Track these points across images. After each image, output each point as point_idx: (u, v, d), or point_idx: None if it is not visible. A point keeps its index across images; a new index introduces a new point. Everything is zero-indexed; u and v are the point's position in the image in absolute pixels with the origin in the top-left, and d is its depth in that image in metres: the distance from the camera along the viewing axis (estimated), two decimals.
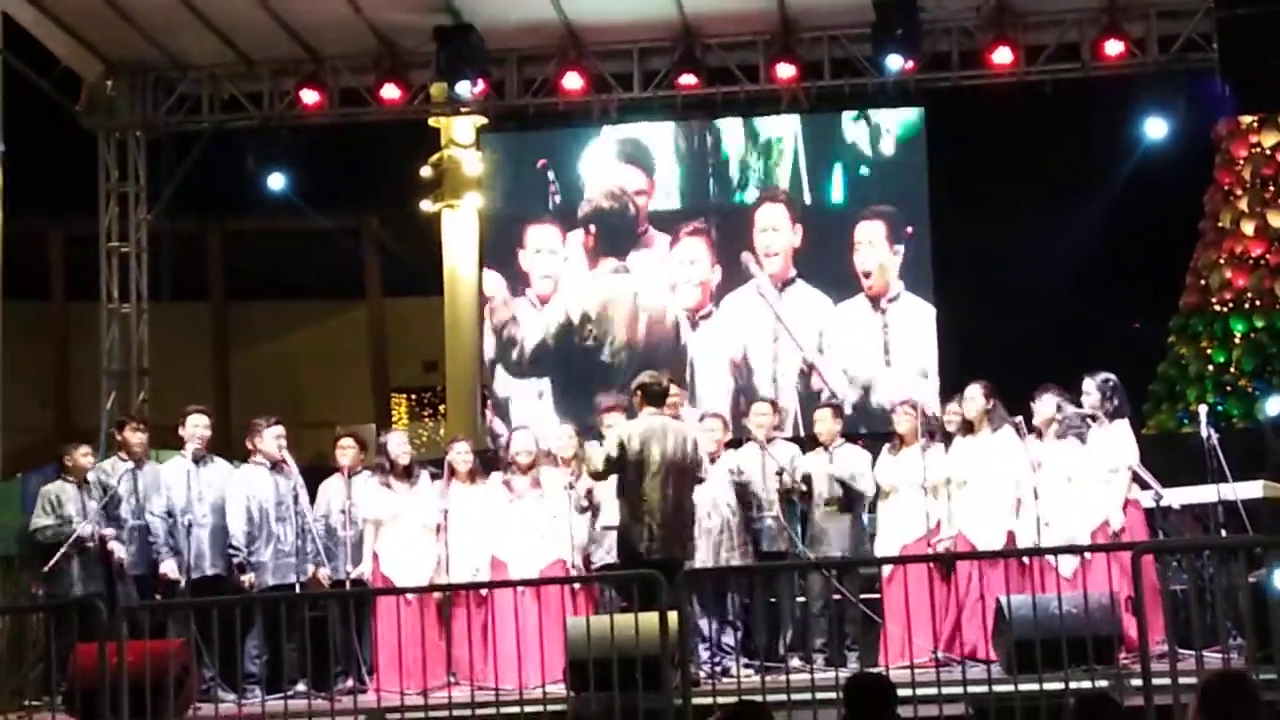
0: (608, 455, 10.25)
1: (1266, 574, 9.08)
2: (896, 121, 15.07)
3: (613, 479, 10.42)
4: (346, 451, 11.53)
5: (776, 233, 15.08)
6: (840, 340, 14.82)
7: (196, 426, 11.43)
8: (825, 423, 11.67)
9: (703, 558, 10.96)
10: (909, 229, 14.87)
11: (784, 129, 15.24)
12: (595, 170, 15.43)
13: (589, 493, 11.05)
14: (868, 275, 14.89)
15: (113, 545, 11.21)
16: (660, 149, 15.39)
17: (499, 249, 15.69)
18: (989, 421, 10.96)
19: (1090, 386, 10.76)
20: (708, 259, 15.15)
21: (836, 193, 15.14)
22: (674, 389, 11.59)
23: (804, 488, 11.30)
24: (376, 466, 11.39)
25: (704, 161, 15.31)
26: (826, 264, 14.98)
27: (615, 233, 15.34)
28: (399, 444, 11.47)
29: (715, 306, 15.12)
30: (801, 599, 11.27)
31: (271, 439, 11.36)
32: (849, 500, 11.32)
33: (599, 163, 15.44)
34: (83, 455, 11.53)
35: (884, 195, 15.02)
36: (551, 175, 15.38)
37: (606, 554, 11.02)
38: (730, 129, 15.30)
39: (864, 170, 15.12)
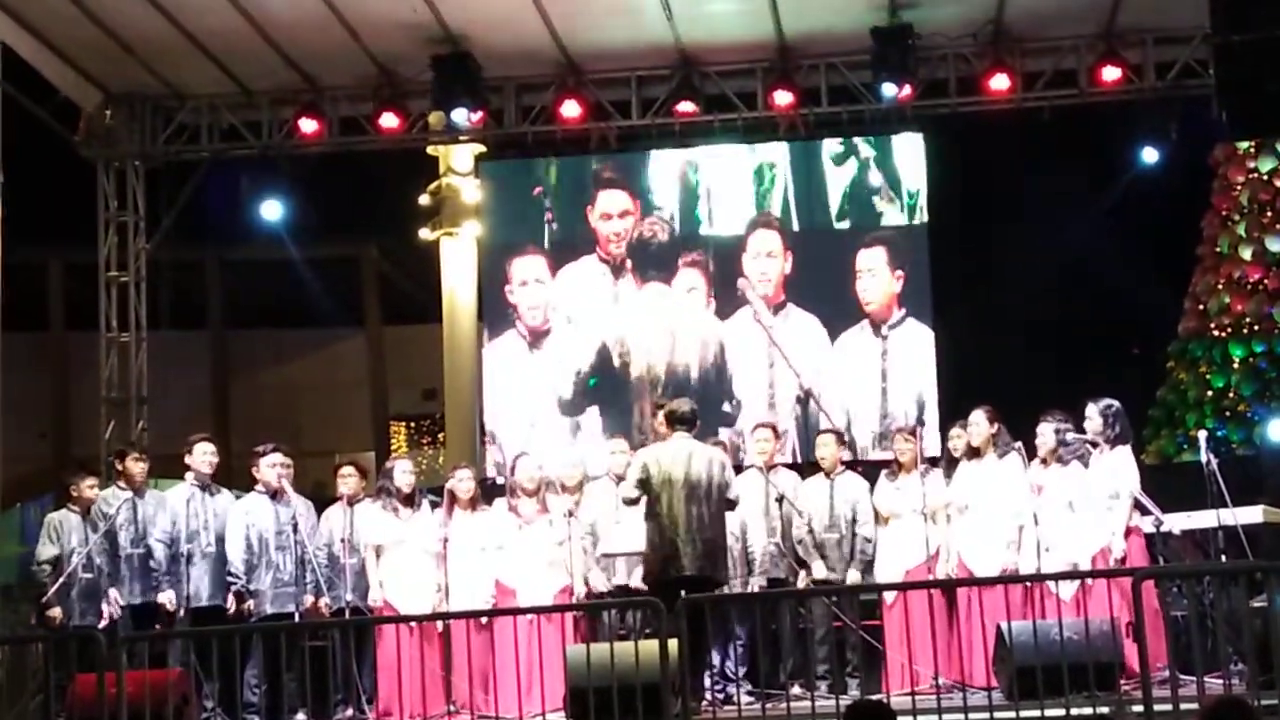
0: (636, 479, 10.34)
1: (1268, 599, 9.07)
2: (895, 147, 15.05)
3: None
4: (348, 480, 11.53)
5: (771, 258, 15.07)
6: (839, 367, 14.81)
7: (205, 454, 11.43)
8: (828, 448, 11.67)
9: None
10: (909, 254, 14.87)
11: (775, 154, 15.23)
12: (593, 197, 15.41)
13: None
14: (869, 303, 14.87)
15: (111, 598, 11.21)
16: (655, 176, 15.38)
17: (494, 279, 15.64)
18: (994, 447, 10.97)
19: (1093, 412, 10.76)
20: (704, 288, 15.13)
21: (830, 218, 15.14)
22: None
23: (803, 515, 11.29)
24: (380, 491, 11.37)
25: (694, 190, 15.28)
26: (820, 289, 14.98)
27: (651, 257, 15.25)
28: (403, 471, 11.46)
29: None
30: (803, 626, 11.25)
31: (267, 467, 11.36)
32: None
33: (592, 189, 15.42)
34: (89, 487, 11.51)
35: (882, 221, 15.02)
36: (548, 204, 15.36)
37: (607, 582, 11.02)
38: (721, 155, 15.28)
39: (860, 195, 15.10)
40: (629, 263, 15.21)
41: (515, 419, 15.08)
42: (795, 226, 15.15)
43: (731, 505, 10.58)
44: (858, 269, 14.93)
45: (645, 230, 15.26)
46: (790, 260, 15.08)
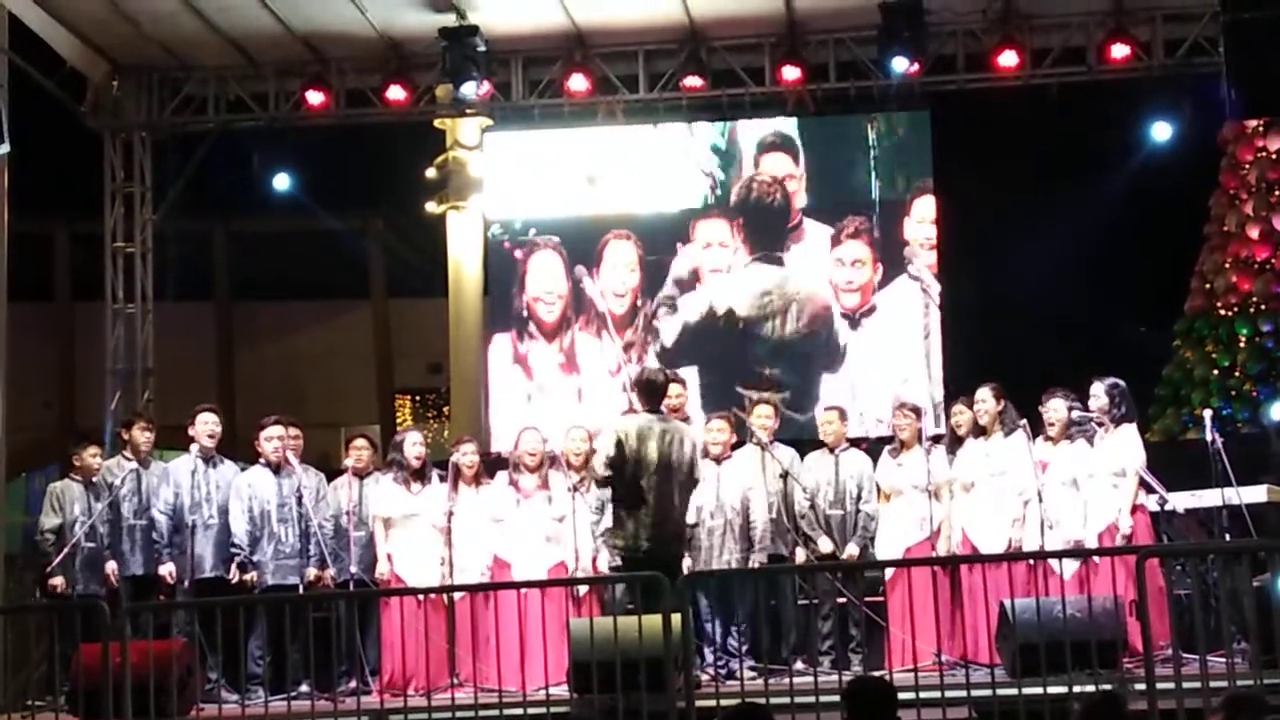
0: (607, 455, 10.26)
1: (1271, 579, 9.08)
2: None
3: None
4: (360, 453, 11.56)
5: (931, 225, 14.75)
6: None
7: (206, 424, 11.44)
8: (832, 424, 11.67)
9: (705, 559, 10.98)
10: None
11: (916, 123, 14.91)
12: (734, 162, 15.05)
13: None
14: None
15: (108, 569, 11.24)
16: (806, 141, 15.00)
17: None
18: (1000, 424, 10.97)
19: (1098, 390, 10.77)
20: (870, 258, 14.76)
21: None
22: (677, 389, 11.63)
23: (805, 490, 11.30)
24: (391, 464, 11.38)
25: (859, 156, 14.87)
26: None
27: (766, 223, 14.89)
28: (414, 443, 11.46)
29: (875, 302, 14.72)
30: (805, 602, 11.26)
31: (265, 440, 11.37)
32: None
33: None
34: (91, 455, 11.54)
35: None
36: (585, 284, 14.95)
37: (610, 558, 11.03)
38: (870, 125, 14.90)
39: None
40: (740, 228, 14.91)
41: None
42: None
43: (696, 484, 10.53)
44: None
45: (757, 191, 14.95)
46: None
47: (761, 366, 14.61)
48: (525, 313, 15.06)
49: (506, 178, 15.37)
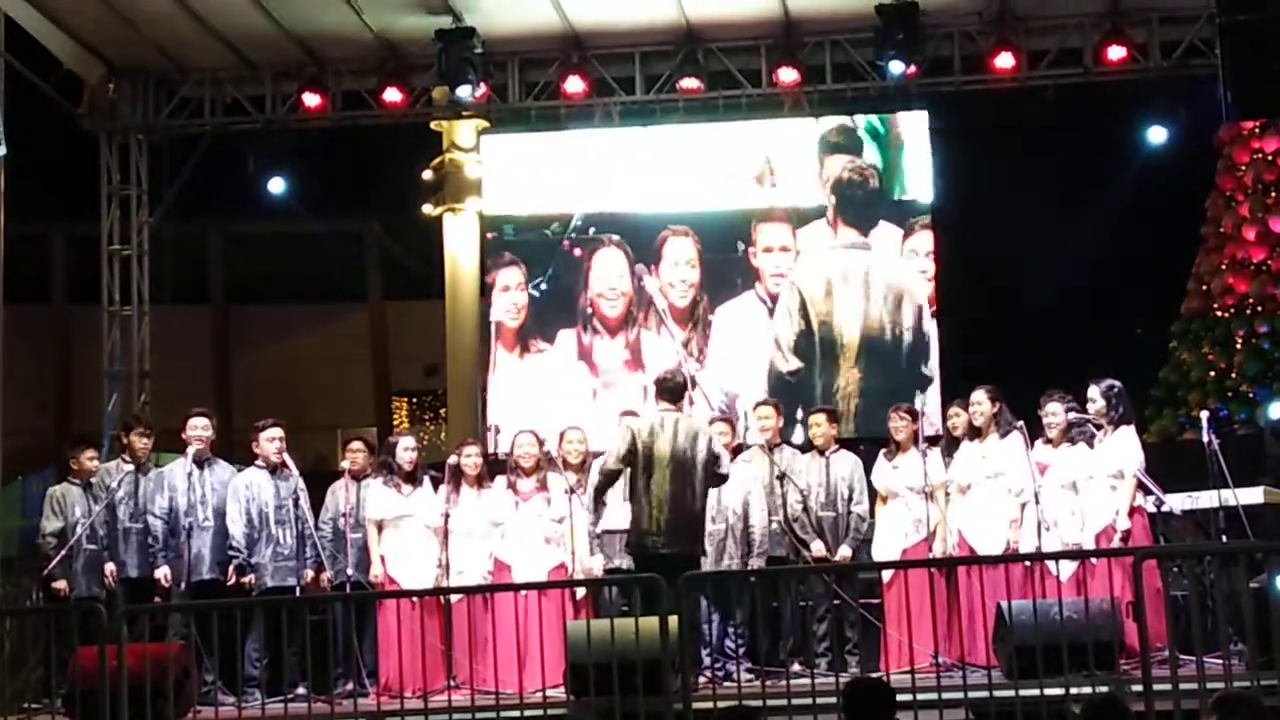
0: (619, 451, 10.25)
1: (1269, 580, 9.08)
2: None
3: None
4: (356, 455, 11.57)
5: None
6: None
7: (196, 428, 11.42)
8: (820, 426, 11.67)
9: (707, 563, 10.97)
10: None
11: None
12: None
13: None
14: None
15: (106, 571, 11.24)
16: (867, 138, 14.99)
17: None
18: (996, 426, 10.98)
19: (1095, 393, 10.76)
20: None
21: None
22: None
23: (799, 493, 11.31)
24: (383, 467, 11.39)
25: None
26: None
27: (855, 208, 14.82)
28: (406, 448, 11.47)
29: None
30: (803, 604, 11.26)
31: (266, 441, 11.37)
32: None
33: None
34: (88, 458, 11.54)
35: None
36: (645, 281, 14.86)
37: (607, 560, 11.02)
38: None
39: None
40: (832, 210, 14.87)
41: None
42: None
43: (722, 479, 10.49)
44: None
45: (847, 174, 14.86)
46: None
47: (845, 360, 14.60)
48: (590, 309, 15.05)
49: (565, 174, 15.24)
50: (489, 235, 15.42)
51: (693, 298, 14.92)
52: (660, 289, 14.91)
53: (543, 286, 15.07)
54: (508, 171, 15.36)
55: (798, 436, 12.70)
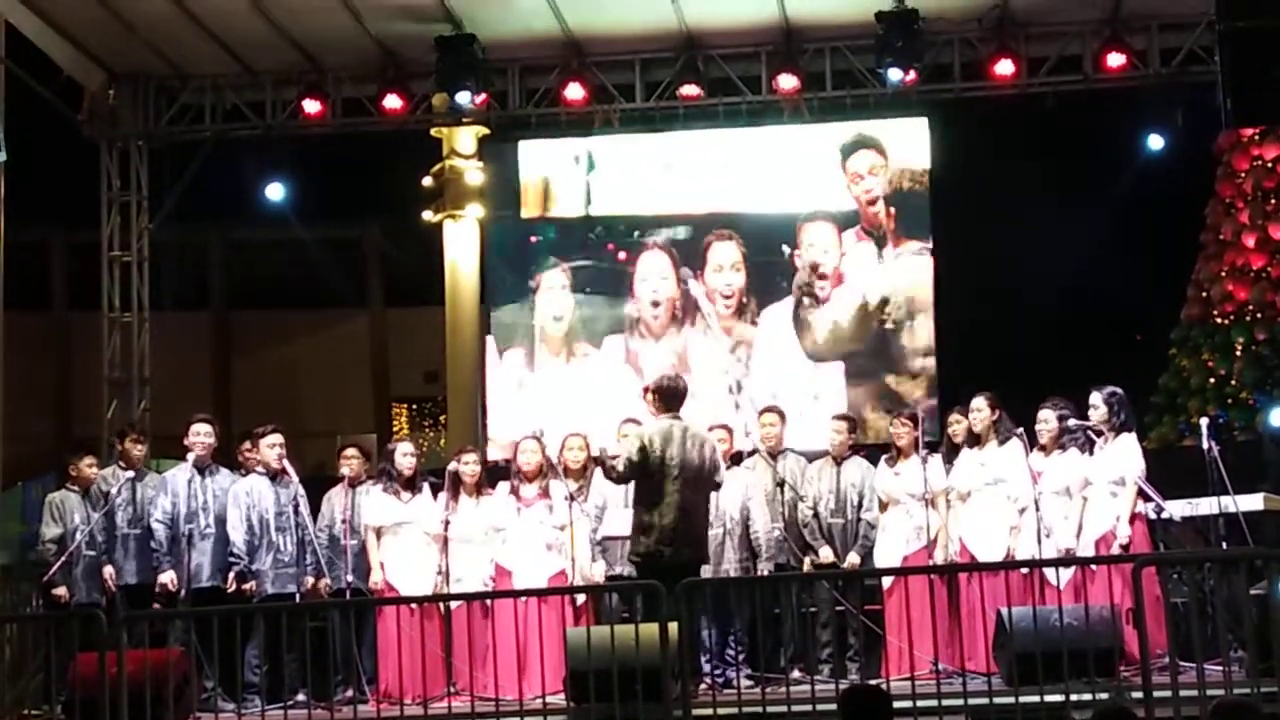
0: (629, 458, 10.25)
1: (1270, 586, 9.08)
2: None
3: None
4: (351, 462, 11.57)
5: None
6: None
7: (199, 435, 11.42)
8: (840, 435, 11.64)
9: (704, 568, 10.96)
10: None
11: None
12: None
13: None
14: None
15: (105, 575, 11.24)
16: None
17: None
18: (995, 433, 10.98)
19: (1097, 400, 10.76)
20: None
21: None
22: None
23: (805, 499, 11.31)
24: (381, 473, 11.39)
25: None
26: None
27: (914, 214, 14.86)
28: (404, 454, 11.47)
29: None
30: (804, 611, 11.26)
31: (267, 448, 11.37)
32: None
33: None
34: (88, 465, 11.55)
35: None
36: (690, 285, 14.75)
37: (609, 567, 11.02)
38: None
39: None
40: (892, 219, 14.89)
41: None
42: None
43: (718, 487, 10.53)
44: None
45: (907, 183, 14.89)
46: None
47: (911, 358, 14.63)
48: (636, 314, 15.05)
49: (613, 179, 15.27)
50: (532, 239, 15.35)
51: (739, 301, 14.94)
52: (706, 293, 14.92)
53: (586, 290, 15.09)
54: (552, 177, 15.32)
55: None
